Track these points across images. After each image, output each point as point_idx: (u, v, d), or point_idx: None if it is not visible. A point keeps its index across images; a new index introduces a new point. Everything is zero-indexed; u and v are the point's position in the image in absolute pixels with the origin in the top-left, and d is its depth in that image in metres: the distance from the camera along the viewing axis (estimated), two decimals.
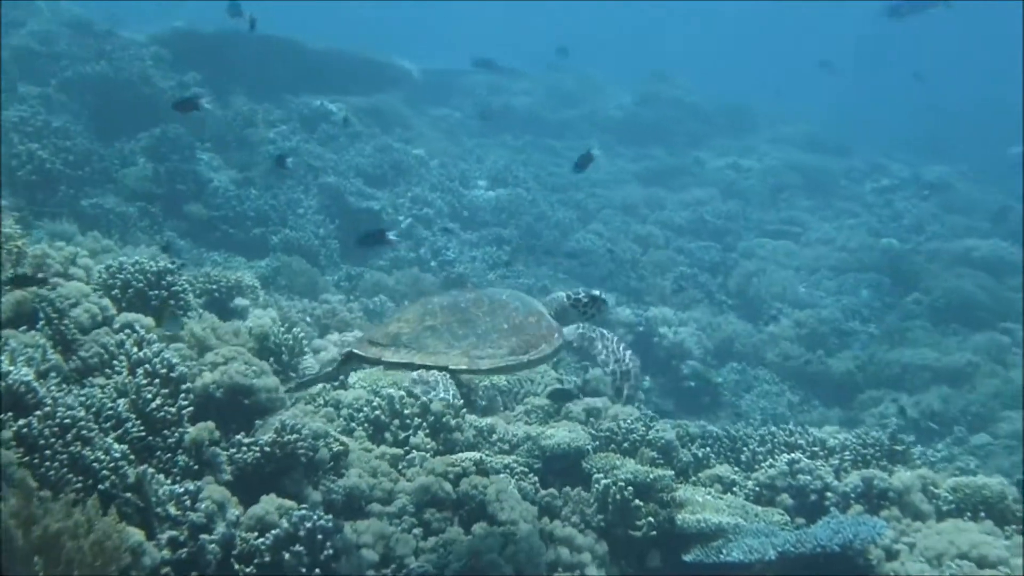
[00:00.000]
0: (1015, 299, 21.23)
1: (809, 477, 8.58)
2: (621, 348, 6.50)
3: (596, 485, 7.69)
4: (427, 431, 8.15)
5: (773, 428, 9.72)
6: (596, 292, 6.79)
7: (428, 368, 5.96)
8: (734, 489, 8.68)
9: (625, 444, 8.60)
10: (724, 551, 7.33)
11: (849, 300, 21.28)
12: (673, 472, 8.40)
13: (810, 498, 8.54)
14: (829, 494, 8.52)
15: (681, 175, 29.66)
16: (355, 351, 6.18)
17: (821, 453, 9.27)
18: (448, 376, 5.94)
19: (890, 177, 31.07)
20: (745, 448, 9.35)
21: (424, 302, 6.49)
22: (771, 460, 9.02)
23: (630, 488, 7.59)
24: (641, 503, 7.59)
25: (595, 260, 20.50)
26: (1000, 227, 26.84)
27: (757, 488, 8.69)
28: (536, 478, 7.87)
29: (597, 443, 8.51)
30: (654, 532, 7.54)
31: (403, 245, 18.55)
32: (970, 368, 17.27)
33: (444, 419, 8.20)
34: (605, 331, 6.62)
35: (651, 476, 7.80)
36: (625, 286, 19.64)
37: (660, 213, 25.50)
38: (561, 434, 8.26)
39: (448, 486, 7.31)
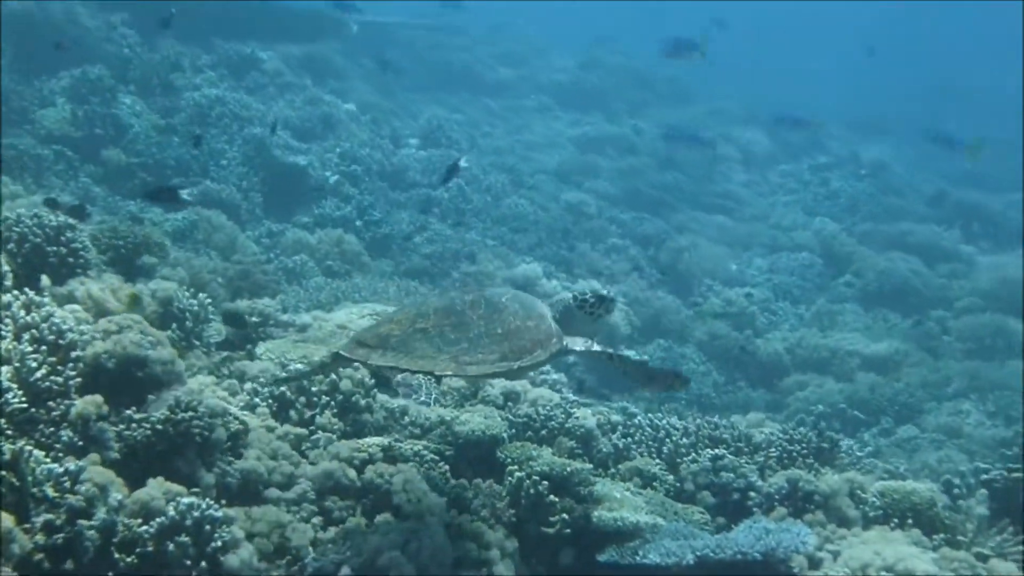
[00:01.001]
0: (947, 286, 21.16)
1: (732, 475, 8.25)
2: (634, 366, 6.53)
3: (509, 478, 7.27)
4: (335, 411, 7.69)
5: (699, 420, 9.37)
6: (604, 292, 6.71)
7: (414, 372, 5.94)
8: (655, 484, 8.30)
9: (543, 432, 8.21)
10: (640, 553, 6.95)
11: (780, 280, 21.08)
12: (592, 465, 8.04)
13: (732, 497, 8.20)
14: (752, 494, 8.19)
15: (619, 142, 29.18)
16: (342, 352, 6.08)
17: (746, 449, 8.94)
18: (432, 380, 6.14)
19: (827, 155, 30.91)
20: (668, 440, 8.98)
21: (420, 303, 6.42)
22: (694, 455, 8.67)
23: (545, 482, 7.18)
24: (556, 499, 7.17)
25: (526, 227, 20.08)
26: (936, 211, 26.83)
27: (679, 484, 8.33)
28: (447, 466, 7.42)
29: (514, 430, 8.10)
30: (568, 530, 7.13)
31: (329, 203, 18.01)
32: (899, 356, 17.13)
33: (353, 399, 7.75)
34: (618, 354, 6.60)
35: (568, 469, 7.40)
36: (555, 255, 19.20)
37: (595, 181, 25.11)
38: (476, 420, 7.82)
39: (352, 473, 6.91)
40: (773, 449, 8.93)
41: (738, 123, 32.93)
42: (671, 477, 8.41)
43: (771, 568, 7.05)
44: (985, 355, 17.74)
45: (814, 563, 7.38)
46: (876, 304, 20.15)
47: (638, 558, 6.92)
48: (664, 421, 9.32)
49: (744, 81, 41.65)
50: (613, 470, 8.42)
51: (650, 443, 9.07)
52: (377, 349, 5.98)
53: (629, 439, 8.88)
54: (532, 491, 7.13)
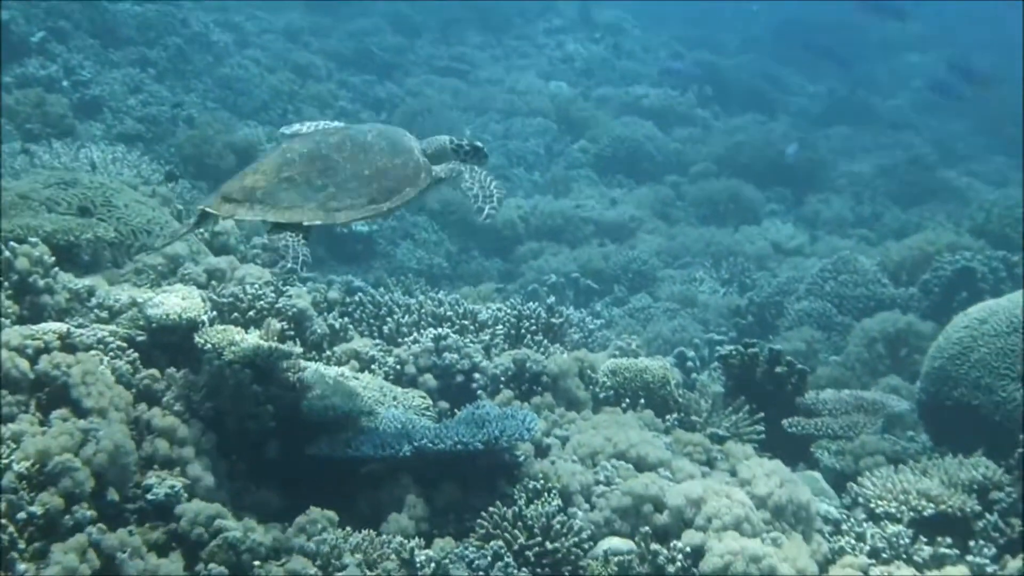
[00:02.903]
0: (681, 151, 21.22)
1: (456, 356, 7.69)
2: (488, 179, 6.49)
3: (207, 365, 6.52)
4: (9, 292, 6.75)
5: (420, 297, 8.78)
6: (479, 143, 6.66)
7: (282, 225, 5.84)
8: (373, 367, 7.70)
9: (251, 313, 7.40)
10: (353, 444, 6.35)
11: (515, 145, 20.66)
12: (303, 348, 7.37)
13: (456, 379, 7.66)
14: (477, 376, 7.69)
15: (351, 3, 27.94)
16: (207, 208, 5.93)
17: (472, 327, 8.41)
18: (301, 238, 5.84)
19: (562, 17, 30.47)
20: (390, 319, 8.36)
21: (285, 149, 6.18)
22: (416, 334, 8.08)
23: (248, 370, 6.47)
24: (259, 387, 6.48)
25: (249, 90, 18.96)
26: (670, 76, 26.89)
27: (399, 366, 7.72)
28: (136, 355, 6.60)
29: (217, 312, 7.30)
30: (273, 422, 6.46)
31: (32, 63, 16.49)
32: (633, 223, 16.99)
33: (31, 279, 6.81)
34: (476, 168, 6.56)
35: (274, 354, 6.72)
36: (281, 119, 18.13)
37: (325, 41, 24.02)
38: (172, 301, 6.94)
39: (24, 364, 6.00)
40: (500, 327, 8.44)
41: None
42: (391, 359, 7.81)
43: (495, 457, 6.57)
44: (719, 221, 17.82)
45: (541, 450, 6.95)
46: (611, 170, 19.98)
47: (350, 450, 6.32)
48: (386, 297, 8.71)
49: None
50: (328, 353, 7.75)
51: (371, 321, 8.46)
52: (244, 203, 5.86)
53: (347, 318, 8.21)
54: (232, 380, 6.41)
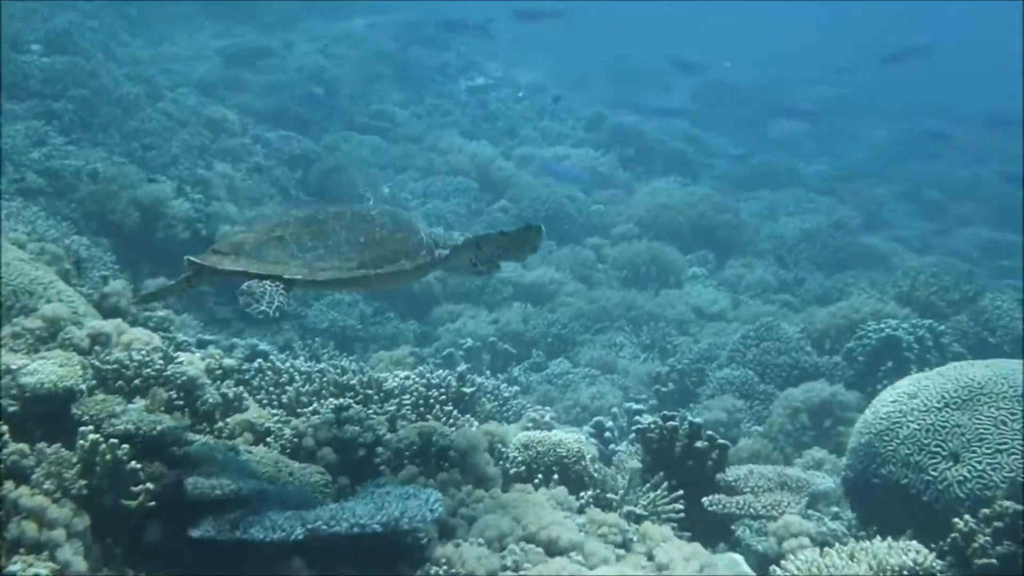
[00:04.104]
0: (603, 212, 21.03)
1: (358, 428, 7.20)
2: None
3: (82, 440, 5.97)
4: None
5: (323, 364, 8.29)
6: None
7: (263, 277, 5.79)
8: (269, 440, 7.18)
9: (137, 381, 6.86)
10: (241, 526, 5.83)
11: (434, 204, 20.30)
12: (192, 420, 6.85)
13: (358, 454, 7.14)
14: (380, 450, 7.18)
15: (269, 57, 27.45)
16: (192, 258, 5.97)
17: (376, 397, 7.92)
18: (281, 288, 5.77)
19: (485, 76, 30.28)
20: (289, 387, 7.86)
21: (282, 213, 6.33)
22: (317, 404, 7.59)
23: (125, 445, 5.93)
24: (139, 464, 5.94)
25: (159, 143, 18.40)
26: (593, 135, 26.84)
27: (297, 439, 7.21)
28: (6, 427, 6.04)
29: (97, 381, 6.76)
30: (153, 502, 5.93)
31: None
32: (553, 286, 16.66)
33: None
34: (472, 235, 6.43)
35: (158, 427, 6.21)
36: (191, 175, 17.59)
37: (241, 96, 23.55)
38: (48, 369, 6.42)
39: None
40: (408, 396, 7.96)
41: (391, 37, 31.59)
42: (288, 431, 7.30)
43: (395, 539, 6.10)
44: (641, 284, 17.54)
45: (446, 531, 6.47)
46: None
47: (238, 533, 5.81)
48: (288, 364, 8.21)
49: None
50: (221, 424, 7.22)
51: (271, 389, 7.97)
52: (229, 255, 5.89)
53: (243, 387, 7.70)
54: (109, 456, 5.87)
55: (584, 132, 27.47)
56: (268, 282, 5.74)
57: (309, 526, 5.80)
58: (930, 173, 29.69)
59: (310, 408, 7.57)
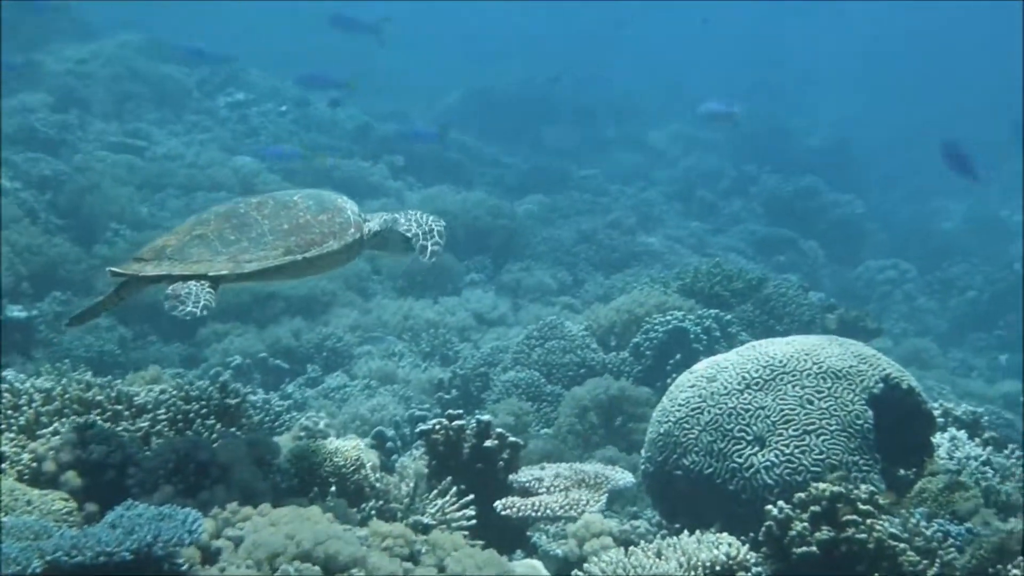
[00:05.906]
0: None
1: (106, 447, 6.31)
2: (425, 217, 6.60)
3: None
4: None
5: (64, 380, 7.37)
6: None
7: (187, 278, 5.70)
8: (3, 467, 6.30)
9: None
10: None
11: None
12: None
13: (107, 476, 6.31)
14: (132, 470, 6.32)
15: (18, 78, 25.87)
16: (113, 269, 5.83)
17: (127, 413, 7.06)
18: (207, 287, 5.70)
19: (247, 91, 29.33)
20: (27, 408, 6.92)
21: (200, 211, 6.25)
22: (58, 424, 6.69)
23: None
24: None
25: None
26: (361, 146, 26.45)
27: (36, 463, 6.28)
28: None
29: None
30: None
31: None
32: (326, 297, 15.98)
33: None
34: (411, 210, 6.66)
35: None
36: None
37: None
38: None
39: None
40: (163, 410, 7.12)
41: (143, 56, 30.19)
42: (26, 456, 6.42)
43: (151, 567, 5.32)
44: (418, 292, 17.07)
45: (210, 555, 5.71)
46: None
47: None
48: (28, 383, 7.29)
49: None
50: None
51: (8, 413, 7.04)
52: (151, 261, 5.78)
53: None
54: None
55: (351, 144, 26.89)
56: (194, 282, 5.67)
57: (48, 557, 5.00)
58: (699, 172, 30.26)
59: (50, 429, 6.69)
